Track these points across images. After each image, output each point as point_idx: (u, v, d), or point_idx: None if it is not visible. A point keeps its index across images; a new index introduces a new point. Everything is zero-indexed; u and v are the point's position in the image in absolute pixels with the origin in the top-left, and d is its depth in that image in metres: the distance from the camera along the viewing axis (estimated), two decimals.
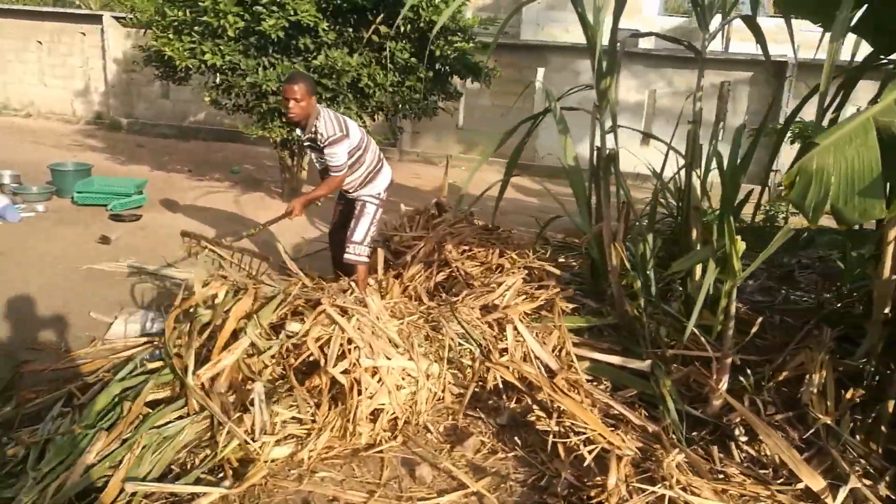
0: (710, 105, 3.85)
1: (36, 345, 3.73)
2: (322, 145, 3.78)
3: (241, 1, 5.83)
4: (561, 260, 4.15)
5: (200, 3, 5.72)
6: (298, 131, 4.00)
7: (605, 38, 3.55)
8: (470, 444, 2.88)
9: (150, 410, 2.75)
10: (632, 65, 11.64)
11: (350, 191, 4.12)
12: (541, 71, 12.38)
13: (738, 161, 3.73)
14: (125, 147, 11.75)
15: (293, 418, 2.77)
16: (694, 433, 3.02)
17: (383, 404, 2.88)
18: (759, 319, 3.16)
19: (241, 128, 6.74)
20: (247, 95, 6.44)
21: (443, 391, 3.16)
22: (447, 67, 7.03)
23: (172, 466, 2.58)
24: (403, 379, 2.97)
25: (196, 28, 5.97)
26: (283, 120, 6.62)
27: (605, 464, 2.63)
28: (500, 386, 3.26)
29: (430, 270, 4.03)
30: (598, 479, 2.59)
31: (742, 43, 12.70)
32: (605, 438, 2.72)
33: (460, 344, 3.32)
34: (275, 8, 5.62)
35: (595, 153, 3.58)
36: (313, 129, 3.82)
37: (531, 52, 12.10)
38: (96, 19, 13.97)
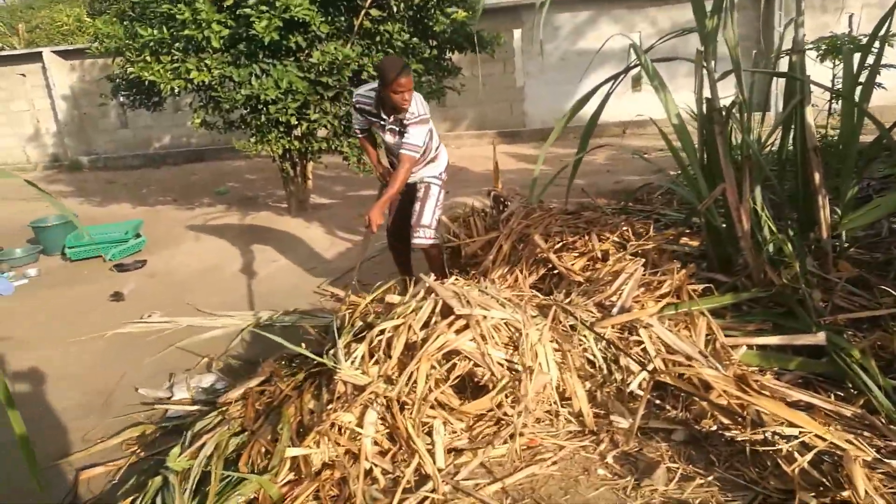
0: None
1: (86, 441, 3.16)
2: (407, 123, 3.52)
3: (221, 7, 5.15)
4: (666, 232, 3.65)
5: (178, 17, 5.03)
6: (387, 117, 3.66)
7: None
8: (659, 474, 2.40)
9: None
10: (612, 9, 11.13)
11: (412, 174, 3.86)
12: (517, 32, 11.81)
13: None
14: (95, 186, 10.96)
15: None
16: None
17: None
18: None
19: (235, 145, 6.09)
20: (240, 109, 5.78)
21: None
22: (446, 43, 6.45)
23: None
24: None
25: (176, 45, 5.27)
26: (281, 130, 6.01)
27: (829, 472, 2.18)
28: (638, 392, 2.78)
29: (517, 272, 3.51)
30: (837, 494, 2.13)
31: None
32: (823, 440, 2.25)
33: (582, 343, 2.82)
34: (264, 7, 4.95)
35: (705, 105, 3.07)
36: (405, 113, 3.56)
37: (507, 14, 11.49)
38: (35, 57, 12.96)
